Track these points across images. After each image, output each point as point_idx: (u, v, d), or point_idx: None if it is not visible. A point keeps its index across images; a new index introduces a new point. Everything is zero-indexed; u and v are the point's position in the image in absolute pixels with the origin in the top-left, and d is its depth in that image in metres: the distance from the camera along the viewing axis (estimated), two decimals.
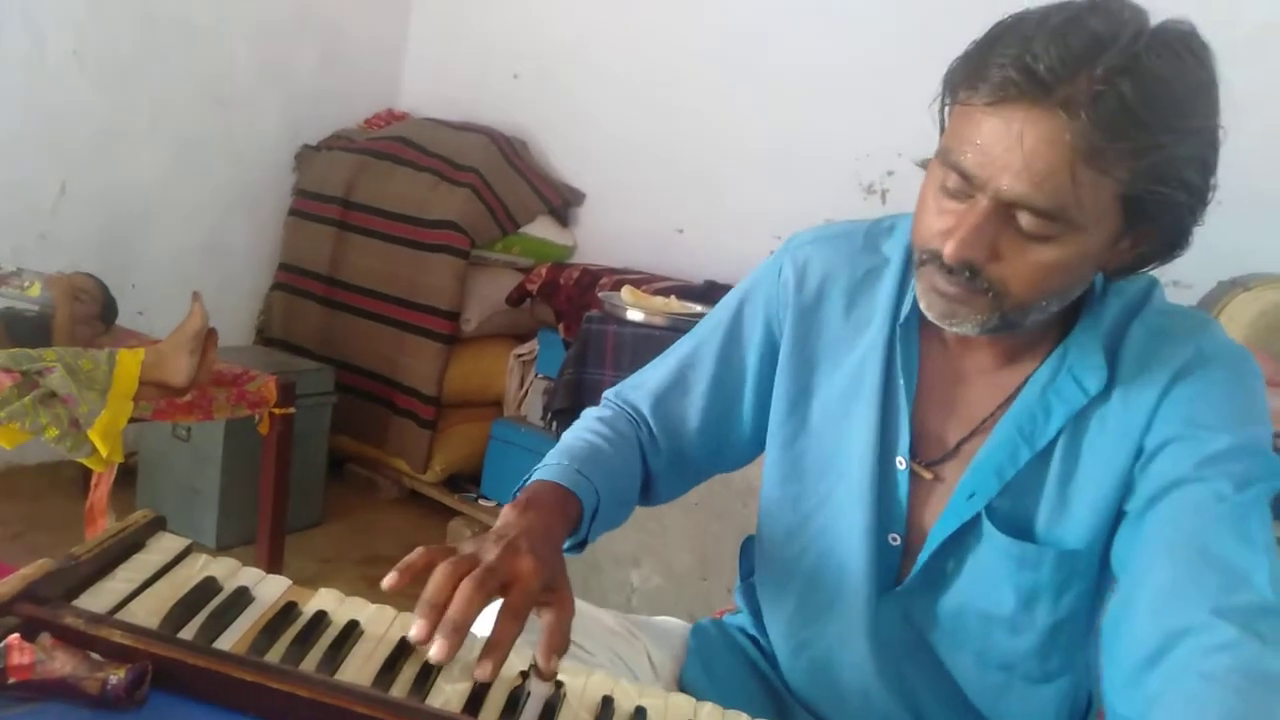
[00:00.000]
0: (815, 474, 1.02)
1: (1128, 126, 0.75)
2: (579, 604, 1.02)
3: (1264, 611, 0.75)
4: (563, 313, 3.10)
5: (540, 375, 3.21)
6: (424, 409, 3.26)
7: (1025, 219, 0.79)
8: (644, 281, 2.92)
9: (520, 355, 3.36)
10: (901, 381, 0.96)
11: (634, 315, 2.48)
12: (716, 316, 1.09)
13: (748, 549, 1.16)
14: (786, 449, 1.04)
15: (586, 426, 1.05)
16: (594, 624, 1.02)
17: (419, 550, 0.79)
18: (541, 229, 3.51)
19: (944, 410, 0.97)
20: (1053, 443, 0.90)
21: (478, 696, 0.74)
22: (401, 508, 3.34)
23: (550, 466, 0.96)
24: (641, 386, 1.10)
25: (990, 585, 0.93)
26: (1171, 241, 0.84)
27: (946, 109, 0.86)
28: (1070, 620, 0.94)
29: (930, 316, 0.89)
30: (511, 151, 3.52)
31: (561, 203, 3.57)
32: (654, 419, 1.07)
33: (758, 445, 1.10)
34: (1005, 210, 0.80)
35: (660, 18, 3.37)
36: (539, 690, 0.75)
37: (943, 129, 0.86)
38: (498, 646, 0.74)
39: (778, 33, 3.12)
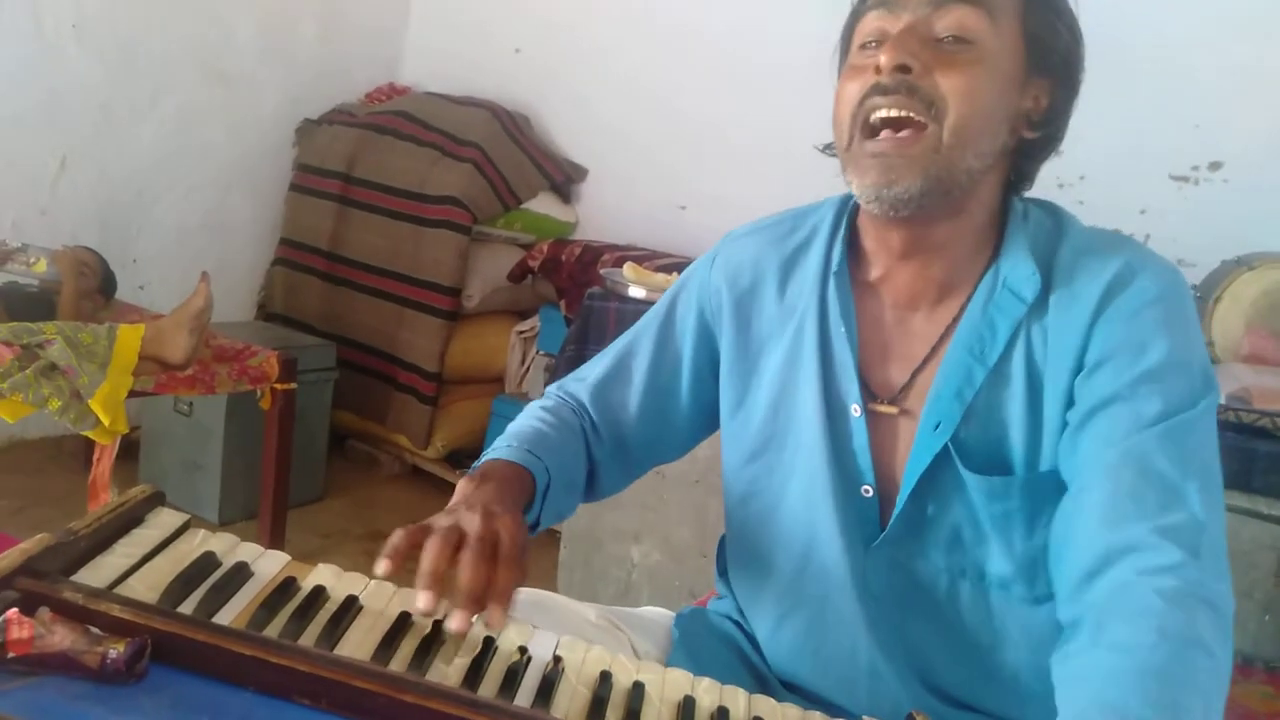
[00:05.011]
0: (776, 447, 1.03)
1: None
2: (561, 599, 1.04)
3: (1197, 529, 0.80)
4: (564, 289, 3.09)
5: (542, 352, 3.21)
6: (425, 385, 3.26)
7: (947, 19, 0.87)
8: (646, 258, 2.91)
9: (522, 332, 3.36)
10: (843, 329, 0.97)
11: (636, 292, 2.47)
12: (653, 310, 1.13)
13: (722, 547, 1.17)
14: (742, 433, 1.06)
15: (532, 415, 1.08)
16: (576, 619, 1.03)
17: (398, 533, 0.80)
18: (543, 205, 3.49)
19: (886, 352, 0.98)
20: (1007, 362, 0.91)
21: (477, 670, 0.74)
22: (403, 484, 3.35)
23: (500, 449, 0.99)
24: (582, 379, 1.14)
25: (972, 515, 0.94)
26: (1062, 101, 0.93)
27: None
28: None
29: (867, 194, 0.90)
30: (514, 126, 3.50)
31: (564, 178, 3.56)
32: (594, 409, 1.11)
33: (695, 434, 1.14)
34: (925, 24, 0.87)
35: None
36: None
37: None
38: (503, 594, 0.77)
39: (781, 11, 3.09)
